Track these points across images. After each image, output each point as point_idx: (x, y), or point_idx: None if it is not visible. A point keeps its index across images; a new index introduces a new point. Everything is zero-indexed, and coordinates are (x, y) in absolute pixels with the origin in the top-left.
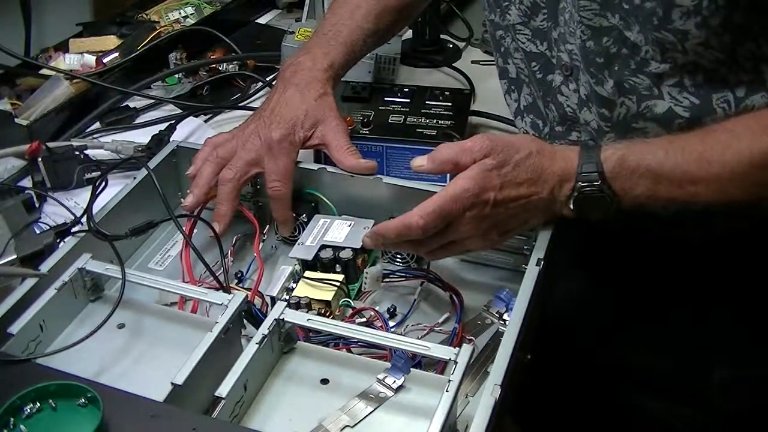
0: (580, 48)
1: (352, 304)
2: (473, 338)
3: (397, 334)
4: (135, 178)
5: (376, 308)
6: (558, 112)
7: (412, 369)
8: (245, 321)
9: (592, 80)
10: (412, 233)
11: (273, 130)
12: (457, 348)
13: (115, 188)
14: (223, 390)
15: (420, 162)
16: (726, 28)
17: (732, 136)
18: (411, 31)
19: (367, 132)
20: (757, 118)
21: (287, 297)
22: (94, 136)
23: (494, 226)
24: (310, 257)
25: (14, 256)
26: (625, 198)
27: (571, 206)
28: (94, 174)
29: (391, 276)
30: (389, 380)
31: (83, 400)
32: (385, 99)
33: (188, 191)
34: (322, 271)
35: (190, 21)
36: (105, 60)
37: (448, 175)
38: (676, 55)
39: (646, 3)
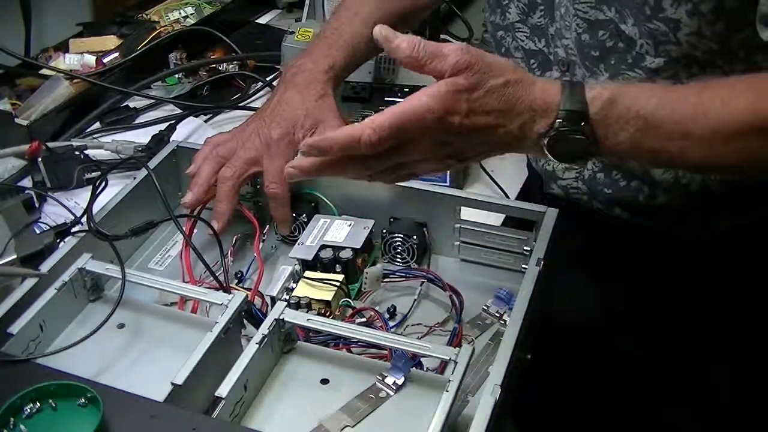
0: (576, 42)
1: (352, 304)
2: (473, 338)
3: (397, 334)
4: (135, 178)
5: (376, 308)
6: None
7: (412, 369)
8: (245, 321)
9: (587, 74)
10: (361, 148)
11: (273, 129)
12: (457, 348)
13: (115, 188)
14: (223, 390)
15: (388, 34)
16: (718, 15)
17: (733, 93)
18: (411, 31)
19: None
20: (762, 78)
21: (287, 297)
22: (94, 136)
23: (451, 153)
24: (310, 257)
25: (14, 256)
26: (606, 144)
27: (544, 144)
28: (94, 174)
29: (391, 276)
30: (389, 380)
31: (83, 400)
32: (385, 99)
33: (188, 189)
34: (322, 271)
35: (190, 21)
36: (105, 60)
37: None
38: (670, 48)
39: None
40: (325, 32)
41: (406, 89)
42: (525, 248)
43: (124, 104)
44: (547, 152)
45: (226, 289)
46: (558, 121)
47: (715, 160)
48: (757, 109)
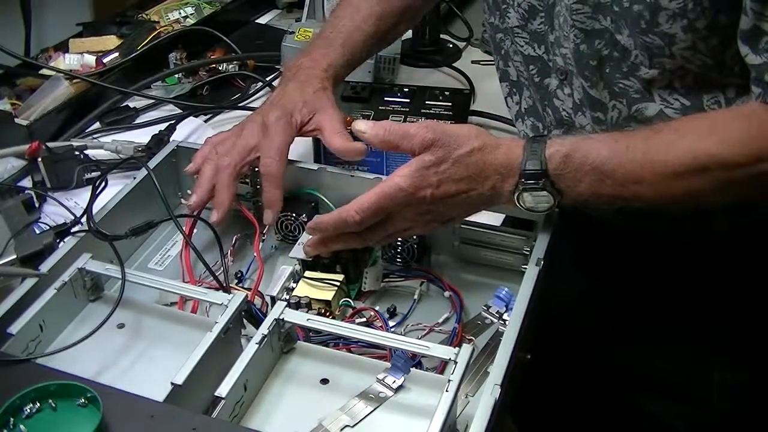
0: (574, 52)
1: (352, 304)
2: (473, 338)
3: (397, 334)
4: (135, 178)
5: (376, 308)
6: (554, 115)
7: (412, 369)
8: (245, 321)
9: (586, 83)
10: (349, 227)
11: (270, 114)
12: (457, 348)
13: (115, 188)
14: (223, 390)
15: (363, 127)
16: (712, 31)
17: (677, 136)
18: (411, 31)
19: None
20: (704, 119)
21: (287, 297)
22: (94, 136)
23: (434, 218)
24: (310, 257)
25: (14, 256)
26: (568, 194)
27: (515, 200)
28: (94, 174)
29: (391, 276)
30: (389, 380)
31: (83, 400)
32: (385, 99)
33: (190, 192)
34: (322, 271)
35: (190, 21)
36: (105, 60)
37: None
38: (664, 60)
39: (633, 6)
40: (325, 31)
41: (406, 89)
42: (525, 248)
43: (124, 104)
44: (519, 206)
45: (226, 289)
46: (521, 180)
47: (667, 200)
48: (696, 150)
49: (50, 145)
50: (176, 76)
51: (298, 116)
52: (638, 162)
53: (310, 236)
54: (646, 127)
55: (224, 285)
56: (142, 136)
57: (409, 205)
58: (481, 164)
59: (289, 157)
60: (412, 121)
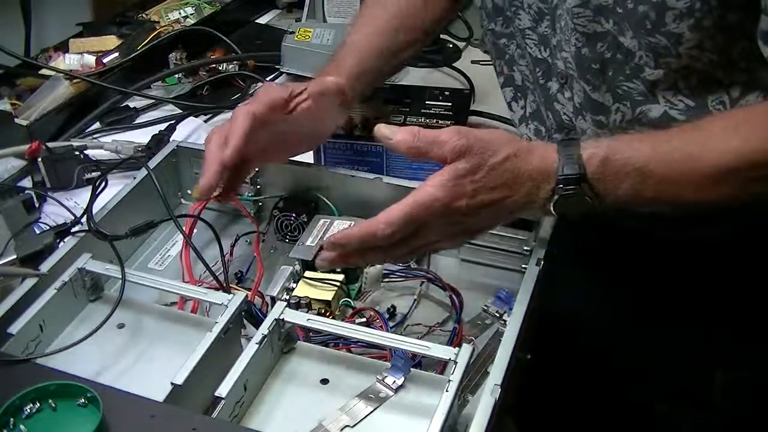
0: (575, 56)
1: (352, 304)
2: (473, 338)
3: (397, 334)
4: (135, 178)
5: (376, 308)
6: (555, 119)
7: (412, 369)
8: (245, 321)
9: (588, 87)
10: (377, 241)
11: None
12: (457, 348)
13: (115, 188)
14: (223, 390)
15: (387, 132)
16: (719, 29)
17: (719, 135)
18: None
19: (367, 132)
20: (739, 114)
21: (287, 297)
22: (94, 136)
23: (465, 229)
24: (310, 257)
25: (14, 256)
26: (607, 199)
27: (551, 208)
28: (94, 174)
29: (391, 276)
30: (389, 380)
31: (83, 400)
32: (386, 99)
33: (190, 192)
34: (322, 271)
35: (190, 21)
36: (105, 60)
37: None
38: (670, 60)
39: (639, 7)
40: (336, 51)
41: (406, 89)
42: (525, 248)
43: (124, 104)
44: (555, 213)
45: (226, 289)
46: (559, 186)
47: (708, 200)
48: (740, 150)
49: (50, 145)
50: (176, 76)
51: (296, 88)
52: (681, 161)
53: (329, 250)
54: (684, 123)
55: (224, 285)
56: (142, 136)
57: (443, 217)
58: (516, 171)
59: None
60: (412, 121)
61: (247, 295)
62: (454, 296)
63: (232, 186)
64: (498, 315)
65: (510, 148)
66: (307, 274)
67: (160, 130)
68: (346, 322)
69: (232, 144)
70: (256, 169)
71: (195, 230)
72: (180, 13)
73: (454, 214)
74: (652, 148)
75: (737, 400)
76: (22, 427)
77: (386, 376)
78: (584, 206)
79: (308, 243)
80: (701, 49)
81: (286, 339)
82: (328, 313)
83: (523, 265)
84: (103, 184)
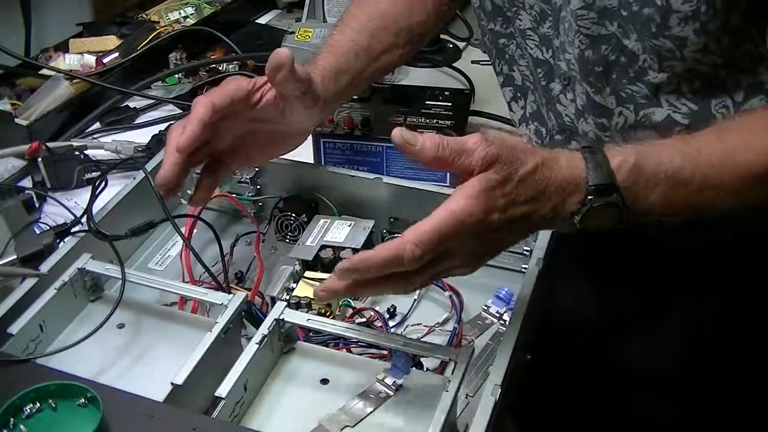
0: (578, 58)
1: (352, 304)
2: (473, 338)
3: (397, 334)
4: (135, 178)
5: (376, 308)
6: (557, 120)
7: (412, 369)
8: (245, 321)
9: (591, 89)
10: (404, 265)
11: None
12: (457, 348)
13: (114, 188)
14: (223, 390)
15: (409, 138)
16: (724, 33)
17: (752, 135)
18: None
19: (367, 132)
20: None
21: (287, 297)
22: (94, 136)
23: (491, 249)
24: (310, 257)
25: (14, 257)
26: (637, 209)
27: (577, 220)
28: (94, 174)
29: None
30: (389, 380)
31: (83, 400)
32: (386, 99)
33: (190, 192)
34: (322, 271)
35: (190, 21)
36: (105, 60)
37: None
38: (674, 63)
39: (644, 9)
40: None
41: (406, 89)
42: (525, 248)
43: (124, 104)
44: (579, 227)
45: (226, 290)
46: (589, 197)
47: (745, 203)
48: None
49: (50, 145)
50: (176, 76)
51: (260, 80)
52: (715, 165)
53: (341, 278)
54: (711, 127)
55: (224, 285)
56: (142, 136)
57: (473, 234)
58: (546, 182)
59: (289, 158)
60: (413, 121)
61: (247, 295)
62: (454, 296)
63: (207, 189)
64: (498, 315)
65: (537, 157)
66: (307, 274)
67: (160, 130)
68: (346, 322)
69: (188, 130)
70: (256, 169)
71: (195, 230)
72: (180, 14)
73: (485, 230)
74: (682, 152)
75: (736, 402)
76: (22, 427)
77: (386, 376)
78: (613, 218)
79: (308, 243)
80: (705, 52)
81: (286, 339)
82: (328, 313)
83: (524, 265)
84: (103, 184)
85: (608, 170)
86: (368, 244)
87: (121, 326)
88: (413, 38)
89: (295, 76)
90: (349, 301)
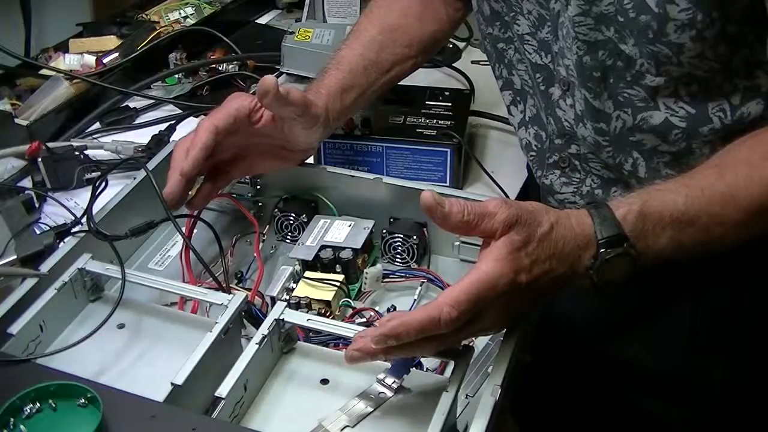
0: (576, 64)
1: (352, 304)
2: (473, 338)
3: None
4: (135, 178)
5: (376, 308)
6: (557, 125)
7: (412, 369)
8: (245, 321)
9: (589, 95)
10: (440, 328)
11: None
12: (457, 348)
13: (115, 188)
14: (223, 390)
15: (440, 201)
16: (720, 40)
17: (751, 168)
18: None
19: (367, 132)
20: (764, 141)
21: (287, 297)
22: (94, 136)
23: (518, 309)
24: (310, 257)
25: (14, 257)
26: (649, 254)
27: (593, 275)
28: (94, 174)
29: (391, 276)
30: (389, 380)
31: (83, 400)
32: (386, 99)
33: (191, 193)
34: (322, 271)
35: (190, 21)
36: (105, 60)
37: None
38: (671, 68)
39: (640, 16)
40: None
41: (406, 89)
42: None
43: (124, 104)
44: (596, 281)
45: (226, 290)
46: (601, 251)
47: (753, 235)
48: None
49: (50, 145)
50: (176, 76)
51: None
52: (719, 203)
53: (378, 344)
54: (705, 164)
55: (224, 285)
56: (142, 136)
57: (505, 296)
58: (562, 241)
59: None
60: (413, 121)
61: (247, 296)
62: None
63: (206, 196)
64: None
65: (552, 216)
66: (307, 274)
67: (160, 131)
68: (346, 322)
69: (192, 156)
70: None
71: (195, 230)
72: (180, 14)
73: (515, 291)
74: (685, 194)
75: (735, 401)
76: (22, 427)
77: (386, 377)
78: (627, 268)
79: (308, 243)
80: (702, 58)
81: (286, 339)
82: (328, 314)
83: None
84: (103, 184)
85: (615, 222)
86: (368, 243)
87: (121, 326)
88: (426, 47)
89: (285, 100)
90: (349, 301)
